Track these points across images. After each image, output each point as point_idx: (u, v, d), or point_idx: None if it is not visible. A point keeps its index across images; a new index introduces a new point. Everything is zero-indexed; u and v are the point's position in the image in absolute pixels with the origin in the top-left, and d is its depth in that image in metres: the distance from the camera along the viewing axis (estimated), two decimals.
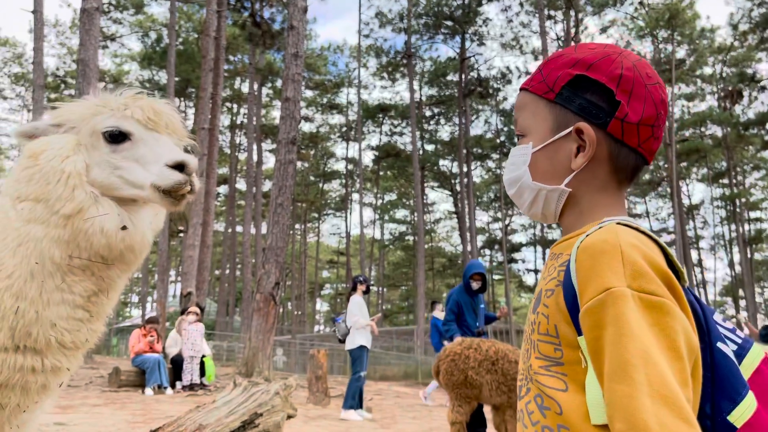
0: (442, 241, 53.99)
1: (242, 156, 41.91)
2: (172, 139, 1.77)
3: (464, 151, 36.73)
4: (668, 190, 38.04)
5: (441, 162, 43.22)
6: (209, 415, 5.21)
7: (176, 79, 25.46)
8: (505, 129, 38.73)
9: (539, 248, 43.53)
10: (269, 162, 43.00)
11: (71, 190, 1.60)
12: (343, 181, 46.86)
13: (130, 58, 36.90)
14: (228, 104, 39.46)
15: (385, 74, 41.59)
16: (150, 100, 1.78)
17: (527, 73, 36.81)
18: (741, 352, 0.96)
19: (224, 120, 38.28)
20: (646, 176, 40.36)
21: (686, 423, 0.76)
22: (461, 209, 37.97)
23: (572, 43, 28.60)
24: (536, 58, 35.74)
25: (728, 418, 0.89)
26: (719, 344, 0.91)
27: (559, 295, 0.93)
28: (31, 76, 31.63)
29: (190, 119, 38.01)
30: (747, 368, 0.96)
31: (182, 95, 35.73)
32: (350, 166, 44.40)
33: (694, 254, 43.49)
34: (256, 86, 34.73)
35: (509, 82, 37.65)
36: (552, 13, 32.30)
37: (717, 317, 0.97)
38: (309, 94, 42.77)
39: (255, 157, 35.58)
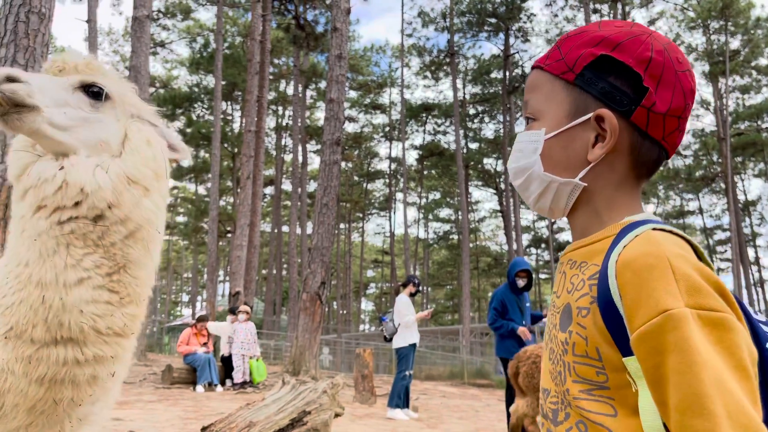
0: (487, 240, 53.51)
1: (287, 157, 42.50)
2: (67, 78, 1.68)
3: (509, 149, 36.32)
4: (723, 185, 36.73)
5: (485, 160, 42.83)
6: (259, 412, 5.32)
7: (223, 82, 26.00)
8: None
9: None
10: (314, 163, 43.47)
11: (16, 155, 1.64)
12: (387, 180, 46.97)
13: (179, 63, 37.86)
14: (273, 107, 40.06)
15: (428, 73, 41.49)
16: (65, 53, 1.74)
17: None
18: None
19: (270, 122, 38.89)
20: (700, 171, 39.06)
21: None
22: (506, 207, 37.56)
23: None
24: None
25: None
26: None
27: (595, 314, 0.84)
28: None
29: (237, 122, 38.79)
30: None
31: (229, 98, 36.45)
32: (394, 166, 44.47)
33: (750, 252, 41.88)
34: (300, 88, 35.15)
35: None
36: (597, 6, 31.64)
37: (748, 308, 0.89)
38: (352, 94, 43.04)
39: (300, 159, 36.02)
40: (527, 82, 1.04)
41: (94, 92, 1.69)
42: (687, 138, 39.20)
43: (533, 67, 1.03)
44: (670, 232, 0.84)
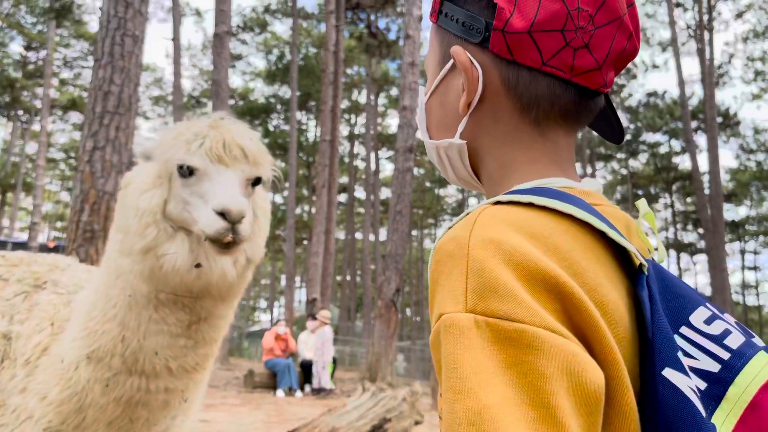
0: None
1: (360, 164, 43.02)
2: (242, 170, 1.65)
3: (588, 151, 35.29)
4: None
5: None
6: (341, 418, 5.40)
7: (297, 93, 26.67)
8: (631, 126, 36.77)
9: (672, 253, 40.77)
10: (386, 170, 43.81)
11: (144, 227, 1.60)
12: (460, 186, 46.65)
13: (256, 75, 39.13)
14: (346, 115, 40.72)
15: None
16: (225, 130, 1.67)
17: (654, 66, 34.72)
18: (727, 376, 0.60)
19: (343, 130, 39.52)
20: None
21: None
22: None
23: (705, 33, 26.58)
24: (664, 50, 33.63)
25: None
26: (667, 371, 0.57)
27: None
28: (170, 98, 34.33)
29: (311, 131, 39.66)
30: (734, 403, 0.59)
31: (304, 108, 37.33)
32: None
33: None
34: (372, 96, 35.54)
35: (634, 77, 35.73)
36: (680, 0, 30.28)
37: (699, 315, 0.64)
38: None
39: (373, 166, 36.37)
40: None
41: (255, 181, 1.73)
42: None
43: None
44: (541, 206, 0.61)
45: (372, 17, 29.23)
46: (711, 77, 24.86)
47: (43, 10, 25.12)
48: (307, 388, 11.93)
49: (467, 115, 0.74)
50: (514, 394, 0.49)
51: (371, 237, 35.40)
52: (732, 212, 41.22)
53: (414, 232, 49.41)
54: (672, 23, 25.63)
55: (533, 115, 0.72)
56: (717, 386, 0.60)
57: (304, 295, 35.91)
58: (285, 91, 36.56)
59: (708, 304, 0.65)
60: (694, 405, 0.56)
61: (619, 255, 0.63)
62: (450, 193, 50.75)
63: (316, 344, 12.05)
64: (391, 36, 29.31)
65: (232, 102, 35.81)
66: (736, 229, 41.18)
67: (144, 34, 5.90)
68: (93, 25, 32.86)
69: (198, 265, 1.58)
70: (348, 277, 39.55)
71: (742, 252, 45.45)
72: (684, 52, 31.07)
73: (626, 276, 0.62)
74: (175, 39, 20.48)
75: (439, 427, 0.63)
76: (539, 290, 0.54)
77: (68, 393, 1.66)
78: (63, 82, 35.66)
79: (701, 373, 0.60)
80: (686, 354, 0.60)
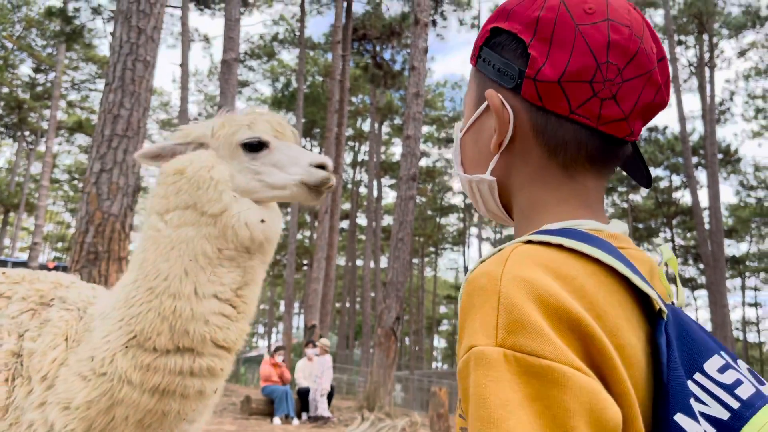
0: None
1: (363, 192, 43.17)
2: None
3: None
4: None
5: None
6: None
7: (303, 120, 26.90)
8: None
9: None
10: (388, 197, 43.94)
11: (220, 193, 1.83)
12: (461, 215, 46.72)
13: (263, 101, 39.51)
14: (350, 142, 40.99)
15: None
16: (272, 115, 2.05)
17: None
18: (735, 424, 0.62)
19: (347, 158, 39.73)
20: None
21: None
22: None
23: (707, 70, 26.86)
24: None
25: None
26: (679, 417, 0.60)
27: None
28: (176, 122, 34.63)
29: None
30: None
31: (308, 135, 37.61)
32: (468, 200, 44.16)
33: None
34: (376, 125, 35.84)
35: None
36: (683, 38, 30.70)
37: (713, 363, 0.66)
38: (426, 129, 43.42)
39: (375, 193, 36.50)
40: None
41: None
42: None
43: None
44: (570, 249, 0.65)
45: (378, 48, 29.62)
46: (712, 114, 25.10)
47: (53, 33, 25.53)
48: (304, 416, 11.80)
49: (498, 153, 0.80)
50: (539, 426, 0.53)
51: (372, 264, 35.35)
52: (733, 248, 41.19)
53: (415, 260, 49.31)
54: (674, 60, 25.96)
55: (561, 159, 0.76)
56: None
57: (302, 322, 35.72)
58: (290, 118, 36.85)
59: (723, 353, 0.68)
60: None
61: (641, 299, 0.67)
62: (451, 222, 50.80)
63: (314, 372, 11.96)
64: (396, 67, 29.66)
65: None
66: (737, 265, 41.08)
67: (155, 60, 6.01)
68: (102, 48, 33.39)
69: (263, 221, 1.85)
70: (347, 304, 39.38)
71: (743, 288, 45.26)
72: (685, 88, 31.40)
73: (646, 320, 0.66)
74: (183, 65, 20.75)
75: None
76: (564, 329, 0.58)
77: (98, 392, 1.67)
78: (70, 104, 36.01)
79: (712, 420, 0.63)
80: (698, 400, 0.63)
